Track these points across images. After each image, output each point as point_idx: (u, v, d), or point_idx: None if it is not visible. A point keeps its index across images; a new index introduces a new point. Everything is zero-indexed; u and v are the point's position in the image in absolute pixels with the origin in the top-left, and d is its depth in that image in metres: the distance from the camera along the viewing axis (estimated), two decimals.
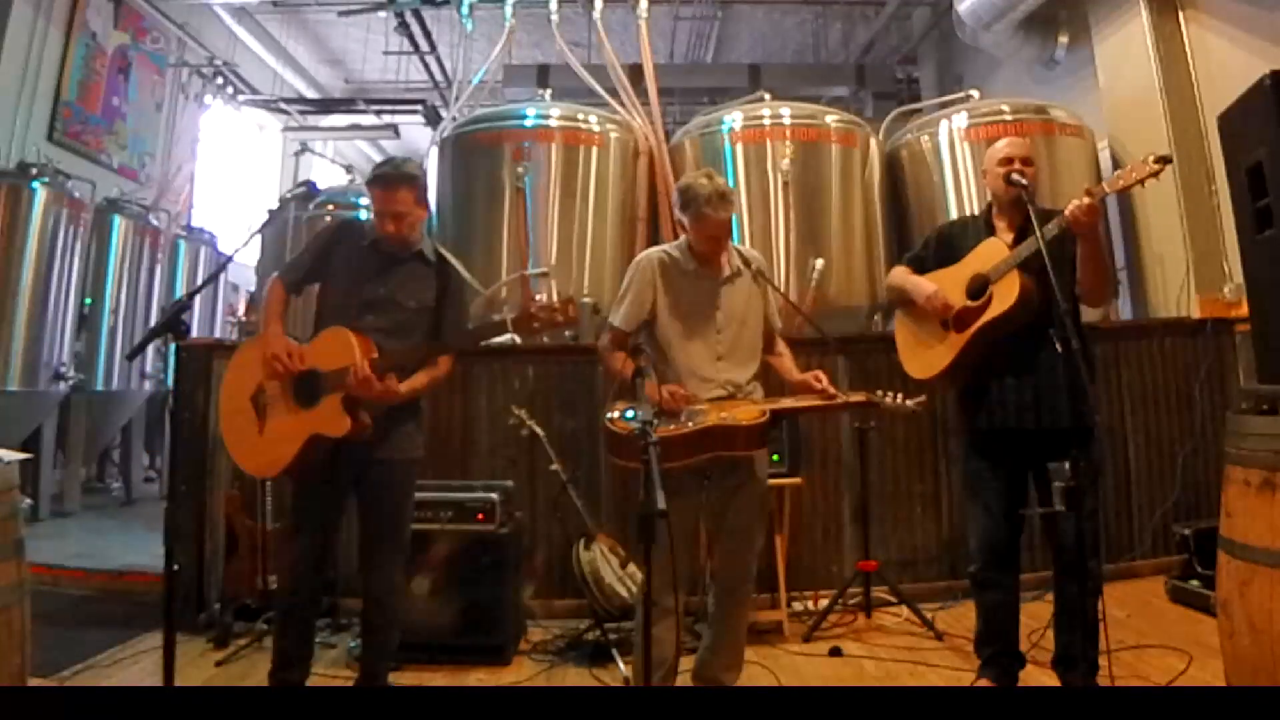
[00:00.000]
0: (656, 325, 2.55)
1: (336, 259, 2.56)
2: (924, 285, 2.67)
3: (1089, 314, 2.80)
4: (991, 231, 2.64)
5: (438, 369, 2.51)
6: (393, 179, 2.49)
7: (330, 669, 3.05)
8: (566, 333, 4.34)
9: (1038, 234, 2.31)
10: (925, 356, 2.68)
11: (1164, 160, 2.27)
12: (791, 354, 2.72)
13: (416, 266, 2.57)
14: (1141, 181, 2.31)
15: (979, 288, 2.53)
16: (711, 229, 2.48)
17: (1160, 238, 4.86)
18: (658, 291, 2.55)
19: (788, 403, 2.54)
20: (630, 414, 2.24)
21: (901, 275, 2.78)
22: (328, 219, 5.24)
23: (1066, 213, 2.35)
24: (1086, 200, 2.33)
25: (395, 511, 2.55)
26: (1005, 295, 2.46)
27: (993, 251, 2.54)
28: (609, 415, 2.44)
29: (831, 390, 2.51)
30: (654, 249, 2.67)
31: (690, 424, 2.37)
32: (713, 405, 2.44)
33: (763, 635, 3.31)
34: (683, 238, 2.61)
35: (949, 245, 2.72)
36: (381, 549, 2.53)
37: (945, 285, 2.63)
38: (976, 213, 2.95)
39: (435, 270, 2.59)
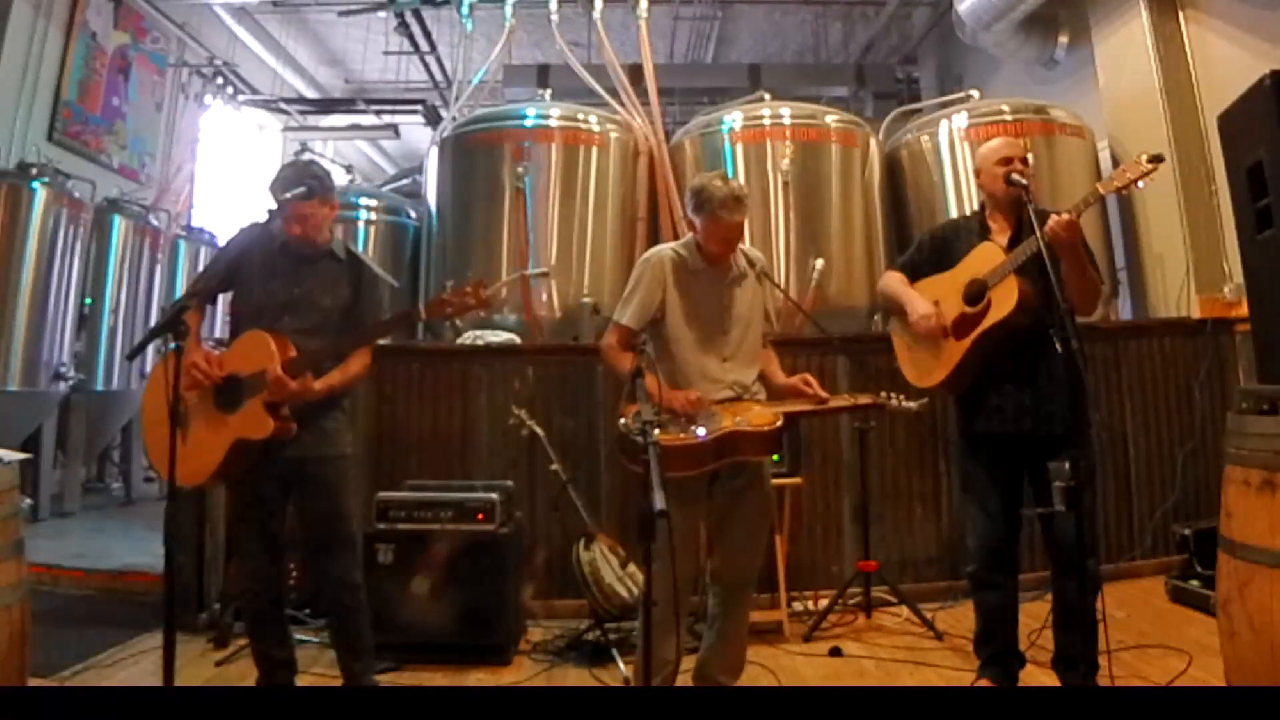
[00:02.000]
0: (665, 324, 2.54)
1: (248, 265, 2.55)
2: (917, 303, 2.63)
3: (1082, 317, 2.78)
4: (986, 233, 2.63)
5: (351, 365, 2.51)
6: (292, 181, 2.49)
7: (331, 669, 3.04)
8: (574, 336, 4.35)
9: (1038, 235, 2.31)
10: (925, 364, 2.67)
11: (1156, 160, 2.27)
12: (792, 353, 2.72)
13: (329, 266, 2.58)
14: (1135, 182, 2.31)
15: (976, 293, 2.52)
16: (724, 232, 2.47)
17: (1160, 238, 4.86)
18: (667, 290, 2.53)
19: (797, 406, 2.52)
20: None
21: (896, 285, 2.75)
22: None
23: (1047, 229, 2.34)
24: (1065, 216, 2.33)
25: (332, 510, 2.53)
26: (1004, 301, 2.45)
27: (989, 256, 2.53)
28: (623, 421, 2.41)
29: (822, 394, 2.50)
30: (663, 247, 2.65)
31: (705, 432, 2.36)
32: (722, 408, 2.43)
33: (763, 635, 3.30)
34: (690, 236, 2.60)
35: (943, 248, 2.70)
36: (326, 550, 2.52)
37: (941, 291, 2.62)
38: (969, 214, 2.94)
39: (347, 268, 2.60)
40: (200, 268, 7.17)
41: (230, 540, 2.61)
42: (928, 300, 2.63)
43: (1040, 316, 2.35)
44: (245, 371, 2.38)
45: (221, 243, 7.60)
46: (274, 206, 2.44)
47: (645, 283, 2.55)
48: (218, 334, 4.35)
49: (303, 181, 2.47)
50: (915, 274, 2.74)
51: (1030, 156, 2.67)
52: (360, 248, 4.95)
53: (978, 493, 2.63)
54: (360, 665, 2.58)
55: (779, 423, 2.42)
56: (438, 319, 2.44)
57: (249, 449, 2.38)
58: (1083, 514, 2.15)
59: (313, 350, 2.42)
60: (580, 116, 4.88)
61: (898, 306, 2.73)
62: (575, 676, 3.05)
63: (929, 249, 2.75)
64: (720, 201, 2.42)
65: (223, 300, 2.76)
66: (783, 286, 4.38)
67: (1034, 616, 2.75)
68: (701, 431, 2.36)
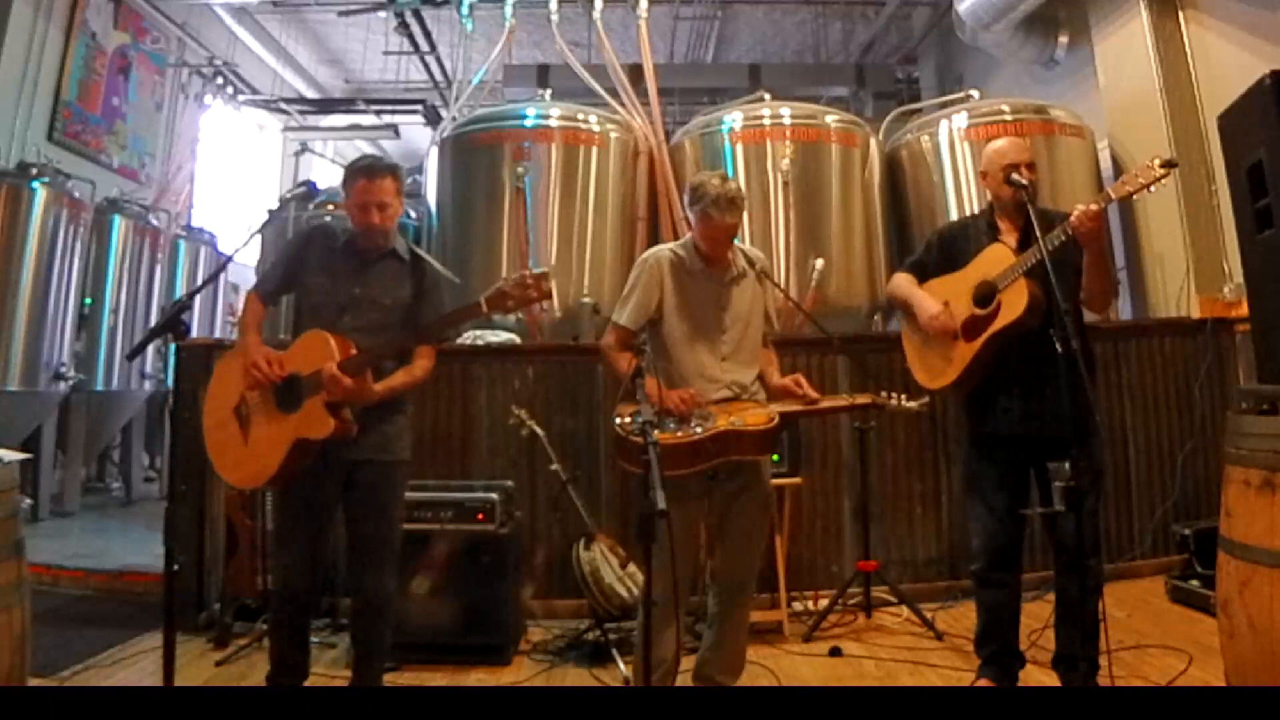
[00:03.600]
0: (663, 324, 2.54)
1: (311, 263, 2.54)
2: (927, 304, 2.63)
3: (1088, 315, 2.78)
4: (995, 233, 2.62)
5: (415, 367, 2.49)
6: (377, 169, 2.48)
7: (330, 669, 3.05)
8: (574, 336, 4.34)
9: (1040, 243, 2.30)
10: (935, 365, 2.67)
11: (1170, 165, 2.23)
12: (792, 353, 2.72)
13: (392, 264, 2.57)
14: (1148, 186, 2.28)
15: (986, 295, 2.52)
16: (714, 230, 2.46)
17: (1160, 238, 4.87)
18: (665, 290, 2.54)
19: (790, 406, 2.52)
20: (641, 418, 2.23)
21: (905, 287, 2.74)
22: (327, 219, 5.24)
23: (1071, 220, 2.33)
24: (1094, 206, 2.32)
25: (382, 514, 2.52)
26: (1014, 304, 2.45)
27: (998, 257, 2.52)
28: (619, 421, 2.41)
29: (813, 395, 2.50)
30: (661, 247, 2.65)
31: (700, 430, 2.36)
32: (719, 408, 2.43)
33: (763, 635, 3.30)
34: (689, 236, 2.60)
35: (951, 248, 2.70)
36: (370, 553, 2.52)
37: (951, 291, 2.61)
38: (976, 213, 2.94)
39: (410, 268, 2.58)
40: (201, 267, 7.19)
41: (276, 534, 2.59)
42: (937, 301, 2.63)
43: (1050, 319, 2.34)
44: (305, 370, 2.36)
45: (221, 240, 7.66)
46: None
47: (643, 283, 2.55)
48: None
49: (380, 165, 2.49)
50: (924, 274, 2.73)
51: (1031, 158, 2.64)
52: None
53: (984, 492, 2.63)
54: (374, 671, 2.57)
55: (774, 422, 2.41)
56: (499, 312, 2.42)
57: (310, 449, 2.36)
58: (1082, 514, 2.15)
59: (372, 348, 2.39)
60: (580, 116, 4.88)
61: (907, 308, 2.73)
62: (575, 676, 3.05)
63: (938, 249, 2.74)
64: (713, 200, 2.42)
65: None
66: (783, 286, 4.37)
67: (1034, 617, 2.75)
68: (698, 430, 2.36)
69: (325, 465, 2.43)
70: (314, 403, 2.34)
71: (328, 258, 2.54)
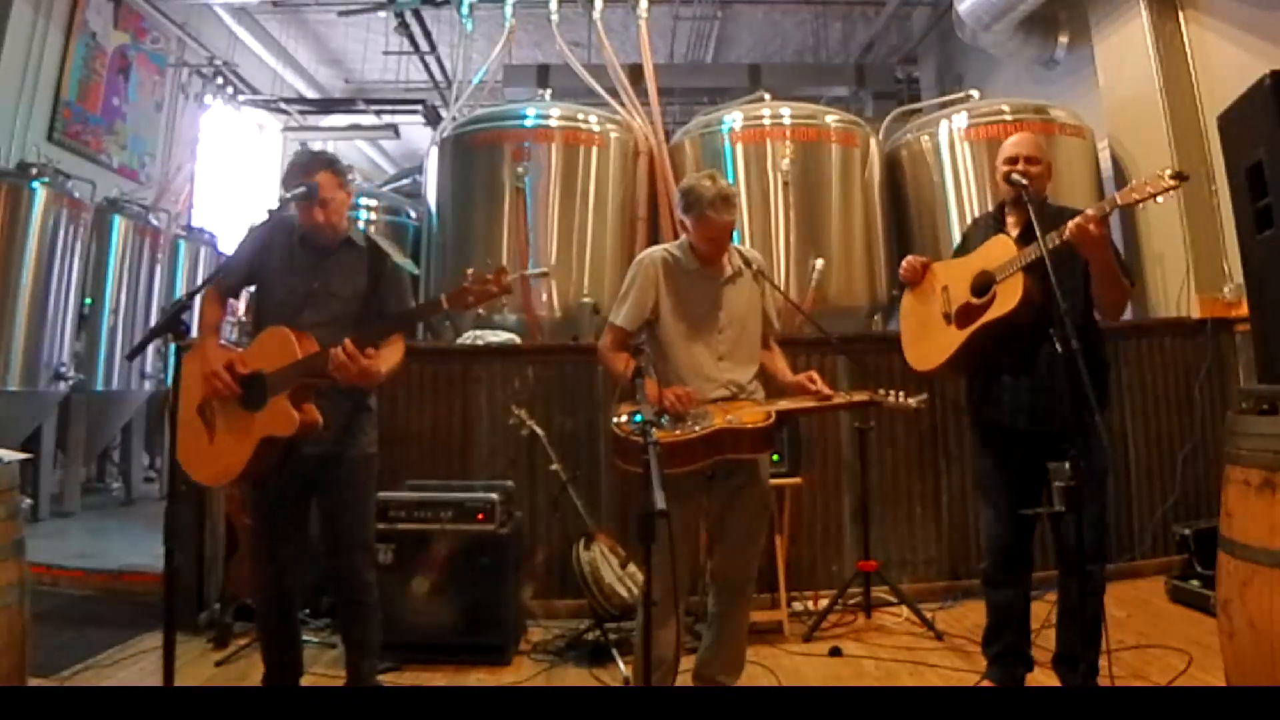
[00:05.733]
0: (659, 325, 2.55)
1: (269, 258, 2.53)
2: (909, 258, 2.80)
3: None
4: (1002, 225, 2.65)
5: (390, 356, 2.43)
6: (311, 164, 2.48)
7: (331, 669, 3.05)
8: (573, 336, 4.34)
9: (1040, 241, 2.30)
10: (926, 349, 2.69)
11: (1180, 178, 2.17)
12: (792, 353, 2.72)
13: (347, 255, 2.55)
14: (1155, 197, 2.22)
15: (984, 284, 2.53)
16: (713, 231, 2.48)
17: (1160, 238, 4.86)
18: (660, 291, 2.55)
19: (791, 404, 2.53)
20: (638, 418, 2.23)
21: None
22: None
23: (1070, 226, 2.32)
24: (1091, 213, 2.29)
25: (354, 508, 2.53)
26: (1008, 297, 2.45)
27: (1000, 249, 2.53)
28: (615, 420, 2.42)
29: (826, 391, 2.50)
30: (656, 248, 2.66)
31: (697, 428, 2.36)
32: (716, 407, 2.43)
33: (763, 635, 3.30)
34: (684, 238, 2.60)
35: (965, 242, 2.79)
36: (346, 548, 2.52)
37: (954, 276, 2.64)
38: (991, 209, 2.96)
39: (367, 256, 2.56)
40: (201, 267, 7.18)
41: (253, 537, 2.60)
42: (937, 284, 2.70)
43: (1048, 313, 2.34)
44: (268, 369, 2.35)
45: (221, 240, 7.65)
46: (288, 196, 2.43)
47: (638, 284, 2.56)
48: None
49: (313, 160, 2.47)
50: None
51: (1032, 152, 2.65)
52: None
53: (988, 490, 2.65)
54: (367, 664, 2.58)
55: (771, 420, 2.41)
56: (461, 309, 2.40)
57: (276, 446, 2.35)
58: (1081, 514, 2.15)
59: (371, 331, 2.36)
60: (580, 116, 4.88)
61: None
62: (575, 676, 3.05)
63: (961, 245, 2.82)
64: (709, 201, 2.43)
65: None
66: (782, 287, 4.38)
67: (1034, 616, 2.75)
68: (695, 429, 2.37)
69: (294, 464, 2.43)
70: (278, 400, 2.32)
71: (286, 252, 2.53)
